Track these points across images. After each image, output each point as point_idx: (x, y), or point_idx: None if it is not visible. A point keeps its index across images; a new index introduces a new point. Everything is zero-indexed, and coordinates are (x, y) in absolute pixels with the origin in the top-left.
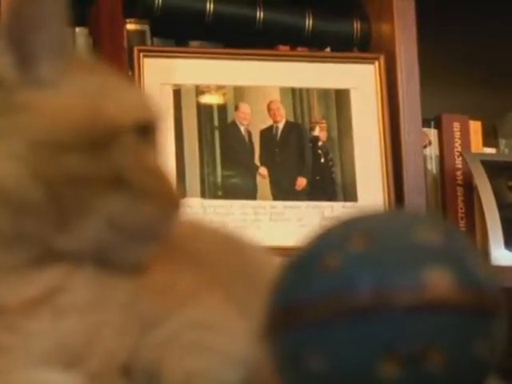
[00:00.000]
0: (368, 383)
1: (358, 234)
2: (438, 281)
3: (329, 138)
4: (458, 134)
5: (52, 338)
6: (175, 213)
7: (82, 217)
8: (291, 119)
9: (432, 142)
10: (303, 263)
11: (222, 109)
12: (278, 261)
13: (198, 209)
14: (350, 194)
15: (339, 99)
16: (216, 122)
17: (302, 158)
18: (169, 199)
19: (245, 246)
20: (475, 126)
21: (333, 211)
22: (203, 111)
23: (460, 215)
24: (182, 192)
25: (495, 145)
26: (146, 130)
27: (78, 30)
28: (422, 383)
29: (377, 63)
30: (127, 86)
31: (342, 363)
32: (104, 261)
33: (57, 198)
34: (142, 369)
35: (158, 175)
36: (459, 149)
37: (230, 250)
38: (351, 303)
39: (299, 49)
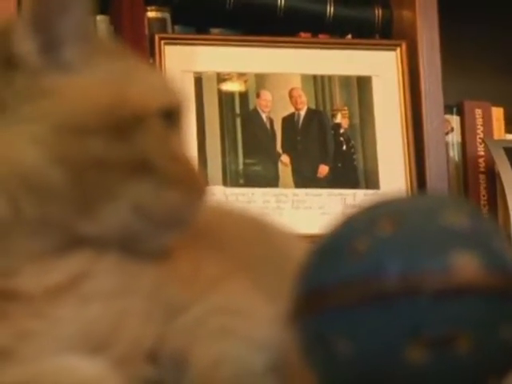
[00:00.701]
0: (395, 368)
1: (386, 218)
2: (466, 265)
3: (351, 125)
4: (480, 121)
5: (77, 325)
6: (200, 199)
7: (106, 203)
8: (313, 106)
9: (454, 128)
10: (330, 247)
11: (244, 96)
12: (305, 246)
13: (220, 197)
14: (372, 182)
15: (361, 86)
16: (237, 110)
17: (323, 146)
18: (194, 186)
19: (273, 230)
20: (497, 113)
21: (355, 199)
22: (224, 99)
23: (482, 202)
24: (206, 179)
25: None
26: (171, 115)
27: (99, 17)
28: (449, 368)
29: (398, 50)
30: (151, 71)
31: (368, 348)
32: (129, 247)
33: (81, 183)
34: (169, 355)
35: (183, 161)
36: (481, 135)
37: (257, 234)
38: (378, 287)
39: (321, 36)
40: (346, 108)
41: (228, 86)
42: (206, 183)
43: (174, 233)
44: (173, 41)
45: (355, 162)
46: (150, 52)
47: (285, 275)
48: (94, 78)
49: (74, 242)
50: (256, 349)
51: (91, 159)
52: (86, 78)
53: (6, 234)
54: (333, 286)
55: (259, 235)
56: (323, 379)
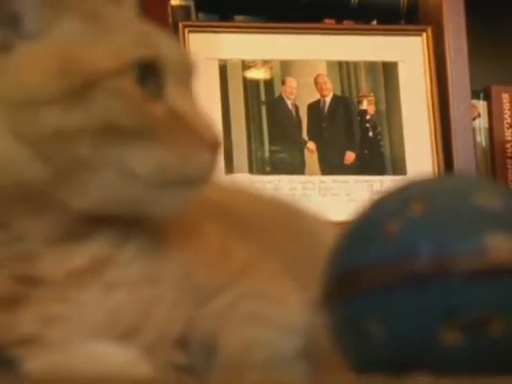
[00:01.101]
0: (428, 350)
1: (417, 199)
2: (500, 246)
3: (377, 111)
4: (507, 106)
5: (103, 311)
6: (204, 151)
7: (88, 173)
8: (338, 93)
9: (481, 114)
10: (361, 230)
11: (269, 83)
12: (337, 231)
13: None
14: (399, 168)
15: (387, 72)
16: (263, 97)
17: (350, 132)
18: (188, 139)
19: (304, 214)
20: None
21: (382, 185)
22: (249, 86)
23: (510, 187)
24: (214, 131)
25: None
26: (154, 70)
27: None
28: (483, 349)
29: (424, 35)
30: (121, 27)
31: (401, 330)
32: (143, 218)
33: (51, 158)
34: (199, 340)
35: (175, 115)
36: (508, 120)
37: (287, 218)
38: (411, 269)
39: (345, 22)
40: (371, 94)
41: (253, 74)
42: (213, 134)
43: (186, 190)
44: (197, 28)
45: (382, 149)
46: None
47: (315, 260)
48: (49, 43)
49: (88, 225)
50: (286, 333)
51: (50, 131)
52: (41, 44)
53: (11, 219)
54: (364, 269)
55: (289, 219)
56: (355, 363)
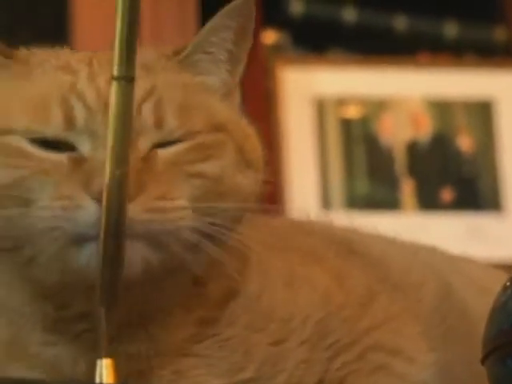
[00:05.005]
0: None
1: None
2: None
3: (474, 147)
4: None
5: (224, 367)
6: (84, 205)
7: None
8: (435, 130)
9: None
10: None
11: (365, 120)
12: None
13: (343, 221)
14: (496, 204)
15: (483, 107)
16: (358, 134)
17: (446, 169)
18: (74, 189)
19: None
20: None
21: (479, 222)
22: (345, 123)
23: None
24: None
25: None
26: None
27: None
28: None
29: None
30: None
31: None
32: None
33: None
34: None
35: (74, 164)
36: None
37: (434, 269)
38: None
39: (440, 56)
40: (468, 131)
41: (348, 110)
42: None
43: (79, 249)
44: (291, 64)
45: (479, 185)
46: (267, 75)
47: (461, 320)
48: None
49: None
50: None
51: None
52: None
53: None
54: None
55: (439, 272)
56: None
